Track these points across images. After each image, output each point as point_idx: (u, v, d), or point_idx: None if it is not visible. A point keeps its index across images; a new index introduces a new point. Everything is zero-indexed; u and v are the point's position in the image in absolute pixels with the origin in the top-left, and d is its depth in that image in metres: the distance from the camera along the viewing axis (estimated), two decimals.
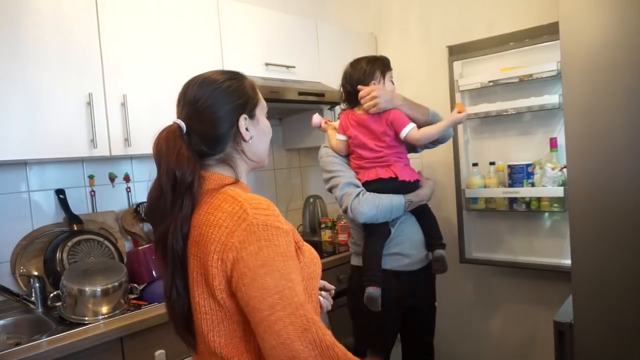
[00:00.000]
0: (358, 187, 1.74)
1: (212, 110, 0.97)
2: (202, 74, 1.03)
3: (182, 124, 0.96)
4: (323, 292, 1.19)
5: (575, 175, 1.47)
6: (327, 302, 1.19)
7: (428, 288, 1.93)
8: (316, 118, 1.89)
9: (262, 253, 0.84)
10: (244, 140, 1.00)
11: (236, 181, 0.98)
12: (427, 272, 1.87)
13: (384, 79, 1.79)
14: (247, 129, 1.00)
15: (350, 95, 1.81)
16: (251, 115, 1.02)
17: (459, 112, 1.75)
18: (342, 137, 1.81)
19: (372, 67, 1.78)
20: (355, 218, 1.71)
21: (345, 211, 1.74)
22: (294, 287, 0.84)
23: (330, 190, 1.81)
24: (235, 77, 1.02)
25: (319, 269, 1.03)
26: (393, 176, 1.72)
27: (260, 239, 0.84)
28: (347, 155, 1.83)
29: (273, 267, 0.83)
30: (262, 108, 1.05)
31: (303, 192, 2.88)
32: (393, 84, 1.86)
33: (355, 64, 1.82)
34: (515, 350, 2.47)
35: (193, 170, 0.92)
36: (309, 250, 1.01)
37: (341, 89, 1.86)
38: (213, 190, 0.94)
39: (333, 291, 1.24)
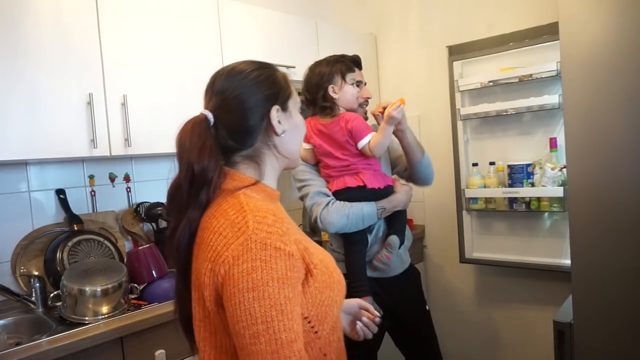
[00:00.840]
0: (328, 196, 1.68)
1: (241, 99, 0.90)
2: (231, 64, 0.97)
3: (210, 115, 0.90)
4: (364, 318, 1.10)
5: (575, 175, 1.47)
6: (366, 330, 1.09)
7: (413, 292, 1.87)
8: None
9: (254, 275, 0.74)
10: (276, 134, 0.92)
11: (256, 182, 0.90)
12: (410, 276, 1.84)
13: (344, 82, 1.69)
14: (279, 122, 0.92)
15: (309, 101, 1.73)
16: (284, 108, 0.94)
17: (383, 112, 1.66)
18: (307, 146, 1.73)
19: (330, 70, 1.68)
20: (325, 228, 1.66)
21: (315, 221, 1.69)
22: (285, 319, 0.74)
23: (301, 199, 1.75)
24: (265, 67, 0.95)
25: (340, 294, 0.90)
26: (361, 184, 1.65)
27: (255, 258, 0.75)
28: (317, 163, 1.77)
29: (264, 293, 0.74)
30: (295, 102, 0.98)
31: None
32: (358, 86, 1.75)
33: (314, 67, 1.73)
34: (515, 350, 2.47)
35: (214, 166, 0.86)
36: (327, 274, 0.88)
37: (300, 95, 1.71)
38: (229, 191, 0.86)
39: (378, 318, 1.12)
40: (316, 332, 0.84)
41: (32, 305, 1.66)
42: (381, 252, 1.72)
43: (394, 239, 1.72)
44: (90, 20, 1.67)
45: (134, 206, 2.09)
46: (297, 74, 2.35)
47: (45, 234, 1.84)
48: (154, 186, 2.19)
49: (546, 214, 2.21)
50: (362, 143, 1.64)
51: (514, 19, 2.26)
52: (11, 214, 1.78)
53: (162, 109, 1.86)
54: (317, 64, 1.74)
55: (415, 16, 2.66)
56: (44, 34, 1.56)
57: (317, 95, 1.70)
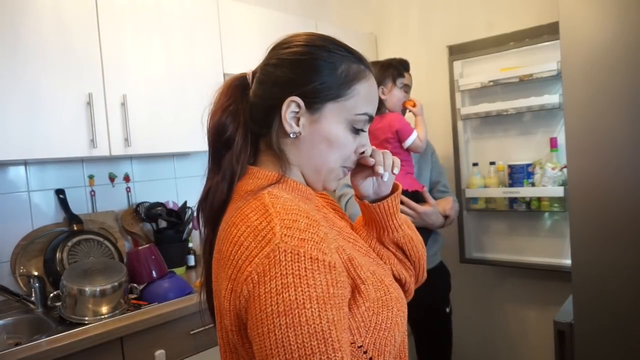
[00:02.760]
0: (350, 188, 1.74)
1: (266, 71, 0.75)
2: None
3: (250, 77, 0.77)
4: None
5: (575, 175, 1.47)
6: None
7: (435, 290, 1.85)
8: None
9: (285, 294, 0.57)
10: (285, 134, 0.73)
11: (281, 177, 0.73)
12: (437, 274, 1.85)
13: (394, 85, 1.80)
14: (296, 120, 0.72)
15: None
16: (311, 106, 0.71)
17: (414, 107, 1.86)
18: None
19: (383, 74, 1.78)
20: (350, 218, 1.71)
21: (344, 210, 1.75)
22: (329, 350, 0.57)
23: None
24: (320, 47, 0.73)
25: (401, 315, 0.71)
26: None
27: (286, 272, 0.58)
28: None
29: (300, 318, 0.57)
30: (342, 110, 0.72)
31: None
32: (406, 91, 1.87)
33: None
34: (515, 350, 2.47)
35: (235, 127, 0.74)
36: (382, 289, 0.70)
37: None
38: (251, 192, 0.69)
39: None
40: None
41: (32, 306, 1.66)
42: None
43: None
44: (90, 20, 1.67)
45: (134, 206, 2.09)
46: None
47: (44, 234, 1.84)
48: (154, 186, 2.19)
49: (546, 214, 2.21)
50: (411, 139, 1.74)
51: (514, 19, 2.26)
52: (11, 213, 1.78)
53: (162, 109, 1.86)
54: (372, 64, 1.79)
55: (415, 16, 2.66)
56: (44, 34, 1.56)
57: None
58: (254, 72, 0.77)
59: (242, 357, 0.67)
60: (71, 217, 1.88)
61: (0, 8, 1.47)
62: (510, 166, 2.19)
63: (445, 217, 1.80)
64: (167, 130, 1.87)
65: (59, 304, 1.58)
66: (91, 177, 1.99)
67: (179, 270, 2.03)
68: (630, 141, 1.38)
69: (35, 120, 1.54)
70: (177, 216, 2.09)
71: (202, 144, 2.17)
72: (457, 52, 2.41)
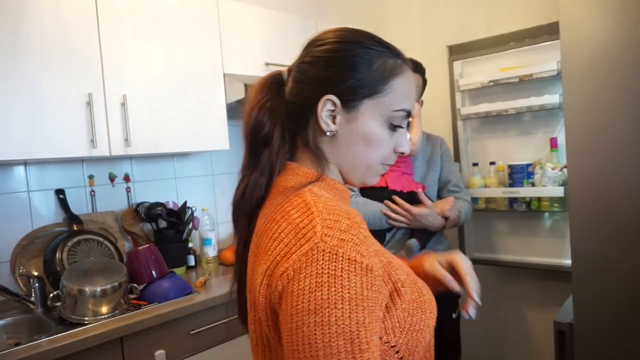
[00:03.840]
0: (353, 191, 1.73)
1: (301, 70, 0.74)
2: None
3: (286, 74, 0.76)
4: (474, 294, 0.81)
5: (576, 175, 1.47)
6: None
7: (444, 296, 1.87)
8: None
9: (318, 293, 0.57)
10: (322, 131, 0.72)
11: (321, 176, 0.73)
12: None
13: None
14: (332, 118, 0.71)
15: None
16: (348, 104, 0.71)
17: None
18: None
19: None
20: None
21: None
22: (355, 351, 0.56)
23: None
24: (356, 43, 0.72)
25: (432, 316, 0.71)
26: (384, 185, 1.68)
27: (321, 272, 0.58)
28: None
29: (330, 318, 0.56)
30: (379, 107, 0.71)
31: None
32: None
33: None
34: (515, 350, 2.47)
35: (272, 123, 0.74)
36: (416, 291, 0.70)
37: None
38: (292, 189, 0.70)
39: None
40: None
41: (32, 306, 1.66)
42: (398, 255, 1.75)
43: (412, 243, 1.71)
44: (90, 20, 1.67)
45: (134, 206, 2.09)
46: None
47: (44, 234, 1.84)
48: (154, 186, 2.19)
49: (546, 214, 2.21)
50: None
51: (514, 19, 2.26)
52: (11, 214, 1.78)
53: (162, 109, 1.86)
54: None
55: (415, 16, 2.66)
56: (44, 34, 1.56)
57: None
58: (289, 70, 0.77)
59: (274, 351, 0.68)
60: (71, 217, 1.88)
61: (0, 8, 1.47)
62: (510, 166, 2.19)
63: (445, 218, 1.78)
64: (167, 130, 1.87)
65: (59, 304, 1.58)
66: (91, 177, 1.99)
67: (179, 270, 2.03)
68: (630, 141, 1.38)
69: (35, 120, 1.54)
70: (177, 216, 2.09)
71: (202, 144, 2.18)
72: (457, 52, 2.41)
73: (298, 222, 0.63)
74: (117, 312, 1.56)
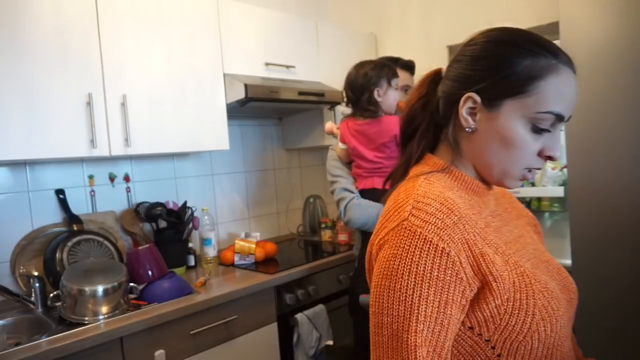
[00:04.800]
0: (353, 192, 1.75)
1: (452, 68, 0.77)
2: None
3: (444, 72, 0.79)
4: None
5: (575, 175, 1.47)
6: None
7: None
8: (328, 125, 1.96)
9: (392, 262, 0.65)
10: (462, 127, 0.74)
11: (446, 167, 0.77)
12: None
13: (389, 86, 1.73)
14: (473, 115, 0.73)
15: (350, 100, 1.77)
16: (489, 103, 0.71)
17: None
18: (342, 146, 1.81)
19: (377, 74, 1.71)
20: (347, 223, 1.73)
21: (339, 216, 1.78)
22: (413, 320, 0.63)
23: (332, 192, 1.86)
24: (523, 47, 0.70)
25: (549, 325, 0.68)
26: (388, 188, 1.69)
27: (399, 245, 0.65)
28: (350, 162, 1.84)
29: (396, 285, 0.64)
30: (522, 107, 0.69)
31: (303, 192, 2.88)
32: (406, 91, 1.82)
33: (360, 67, 1.74)
34: None
35: (423, 117, 0.79)
36: (523, 292, 0.68)
37: (343, 92, 1.81)
38: (414, 176, 0.77)
39: None
40: None
41: (32, 306, 1.66)
42: None
43: None
44: (90, 20, 1.67)
45: (134, 206, 2.09)
46: (296, 74, 2.36)
47: (44, 234, 1.84)
48: (154, 186, 2.19)
49: (547, 213, 2.21)
50: None
51: (514, 19, 2.26)
52: (11, 214, 1.78)
53: (161, 109, 1.86)
54: (362, 64, 1.76)
55: (415, 16, 2.66)
56: (44, 34, 1.56)
57: (361, 96, 1.72)
58: (447, 67, 0.80)
59: None
60: (71, 217, 1.88)
61: (0, 8, 1.47)
62: None
63: None
64: (167, 130, 1.87)
65: (59, 304, 1.58)
66: (91, 177, 1.99)
67: (179, 270, 2.03)
68: (630, 141, 1.38)
69: (35, 120, 1.54)
70: (177, 216, 2.09)
71: (202, 144, 2.18)
72: None
73: (399, 202, 0.71)
74: (117, 312, 1.56)
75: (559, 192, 2.04)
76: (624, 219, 1.40)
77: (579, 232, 1.48)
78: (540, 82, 0.68)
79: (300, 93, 2.19)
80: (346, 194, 1.74)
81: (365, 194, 1.73)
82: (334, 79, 2.52)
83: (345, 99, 1.81)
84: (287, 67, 2.31)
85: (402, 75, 1.92)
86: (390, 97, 1.73)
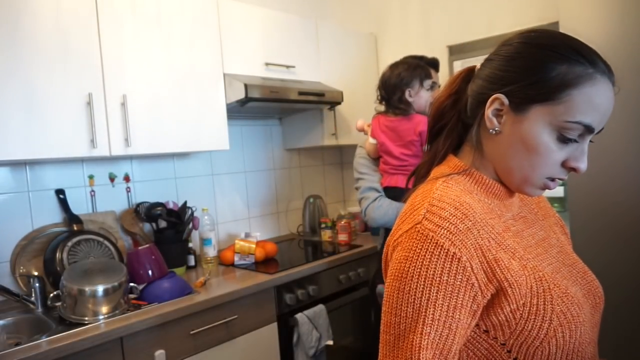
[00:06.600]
0: (378, 191, 1.79)
1: (483, 67, 0.76)
2: None
3: (477, 68, 0.78)
4: None
5: (576, 175, 1.47)
6: None
7: None
8: (360, 122, 2.00)
9: (403, 264, 0.66)
10: (487, 129, 0.73)
11: (466, 169, 0.76)
12: None
13: (421, 87, 1.76)
14: (499, 117, 0.71)
15: (383, 99, 1.82)
16: (516, 106, 0.69)
17: None
18: (372, 141, 1.85)
19: (410, 75, 1.75)
20: (368, 222, 1.80)
21: (362, 213, 1.83)
22: (420, 322, 0.63)
23: (356, 189, 1.90)
24: (544, 47, 0.68)
25: (568, 332, 0.67)
26: (410, 186, 1.73)
27: (411, 248, 0.66)
28: (379, 157, 1.87)
29: (405, 287, 0.65)
30: (550, 114, 0.66)
31: (303, 192, 2.88)
32: (432, 88, 1.83)
33: (394, 67, 1.79)
34: None
35: (450, 115, 0.78)
36: (540, 297, 0.67)
37: (377, 91, 1.84)
38: (434, 178, 0.76)
39: None
40: None
41: (32, 306, 1.66)
42: None
43: None
44: (90, 20, 1.67)
45: (134, 206, 2.09)
46: (296, 74, 2.36)
47: (44, 234, 1.84)
48: (154, 186, 2.19)
49: None
50: None
51: (514, 19, 2.26)
52: (11, 213, 1.78)
53: (162, 109, 1.86)
54: (397, 65, 1.80)
55: (415, 16, 2.66)
56: (44, 34, 1.56)
57: (393, 95, 1.77)
58: (481, 66, 0.78)
59: None
60: (71, 217, 1.88)
61: (0, 8, 1.47)
62: None
63: None
64: (167, 130, 1.87)
65: (59, 304, 1.58)
66: (91, 177, 1.99)
67: (179, 270, 2.03)
68: (630, 141, 1.38)
69: (35, 120, 1.54)
70: (177, 216, 2.09)
71: (202, 144, 2.18)
72: (457, 52, 2.41)
73: (415, 205, 0.71)
74: (117, 312, 1.56)
75: (559, 192, 2.04)
76: (624, 219, 1.40)
77: (579, 232, 1.48)
78: (572, 91, 0.65)
79: (300, 93, 2.19)
80: (369, 194, 1.78)
81: (389, 191, 1.78)
82: (334, 79, 2.52)
83: (378, 97, 1.85)
84: (287, 67, 2.31)
85: None
86: (422, 97, 1.77)
